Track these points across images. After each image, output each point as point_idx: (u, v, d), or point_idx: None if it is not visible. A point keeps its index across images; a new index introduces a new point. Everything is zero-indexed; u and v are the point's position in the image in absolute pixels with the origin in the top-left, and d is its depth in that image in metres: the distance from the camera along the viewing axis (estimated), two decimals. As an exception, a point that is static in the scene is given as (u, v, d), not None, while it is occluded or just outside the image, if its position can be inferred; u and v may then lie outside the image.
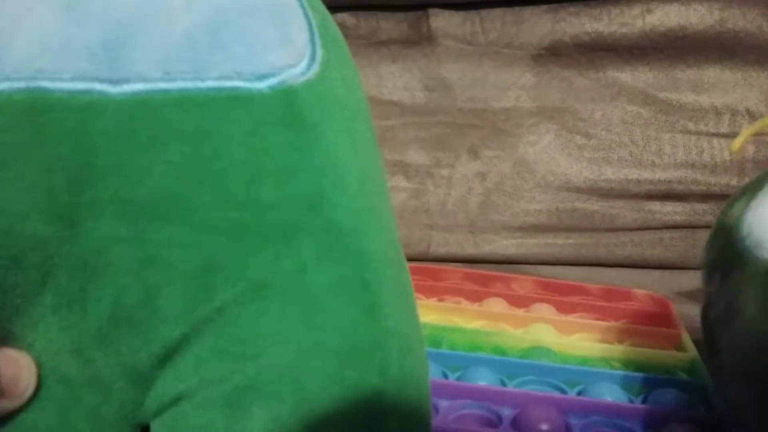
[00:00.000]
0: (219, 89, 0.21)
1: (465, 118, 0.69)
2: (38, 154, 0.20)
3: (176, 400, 0.22)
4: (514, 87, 0.68)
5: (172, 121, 0.21)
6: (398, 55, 0.69)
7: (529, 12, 0.67)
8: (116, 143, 0.21)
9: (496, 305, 0.52)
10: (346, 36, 0.26)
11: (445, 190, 0.69)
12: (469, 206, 0.68)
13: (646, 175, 0.66)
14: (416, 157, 0.69)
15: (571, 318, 0.51)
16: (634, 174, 0.66)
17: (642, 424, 0.38)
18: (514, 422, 0.38)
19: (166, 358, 0.22)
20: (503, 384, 0.41)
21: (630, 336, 0.48)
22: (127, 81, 0.21)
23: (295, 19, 0.23)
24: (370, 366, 0.22)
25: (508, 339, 0.46)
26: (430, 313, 0.50)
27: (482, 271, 0.59)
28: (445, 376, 0.42)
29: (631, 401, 0.40)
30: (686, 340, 0.47)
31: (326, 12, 0.25)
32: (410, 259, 0.26)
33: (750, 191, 0.33)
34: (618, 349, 0.46)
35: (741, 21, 0.64)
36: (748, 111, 0.65)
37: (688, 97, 0.66)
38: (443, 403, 0.39)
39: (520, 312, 0.52)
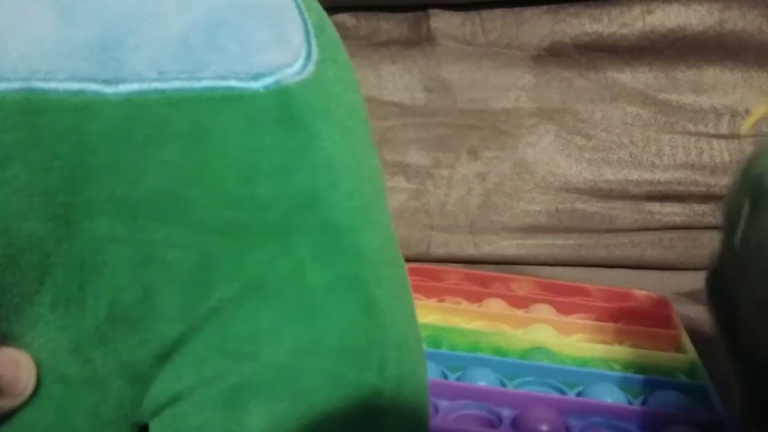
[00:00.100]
0: (214, 89, 0.21)
1: (465, 118, 0.69)
2: (35, 154, 0.20)
3: (174, 400, 0.22)
4: (514, 88, 0.68)
5: (168, 120, 0.21)
6: (398, 56, 0.69)
7: (529, 13, 0.67)
8: (112, 143, 0.21)
9: (496, 306, 0.52)
10: (346, 37, 0.26)
11: (445, 190, 0.69)
12: (469, 207, 0.68)
13: (646, 176, 0.66)
14: (416, 157, 0.69)
15: (570, 319, 0.51)
16: (634, 175, 0.66)
17: (641, 426, 0.38)
18: (514, 423, 0.38)
19: (163, 357, 0.22)
20: (503, 384, 0.41)
21: (629, 337, 0.48)
22: (122, 81, 0.21)
23: (290, 19, 0.23)
24: (367, 364, 0.22)
25: (508, 339, 0.46)
26: (430, 314, 0.50)
27: (482, 271, 0.59)
28: (445, 377, 0.42)
29: (630, 403, 0.40)
30: (686, 341, 0.47)
31: (322, 12, 0.25)
32: (410, 260, 0.26)
33: None
34: (617, 350, 0.46)
35: (741, 22, 0.64)
36: (747, 112, 0.65)
37: (687, 98, 0.66)
38: (443, 404, 0.39)
39: (519, 313, 0.52)
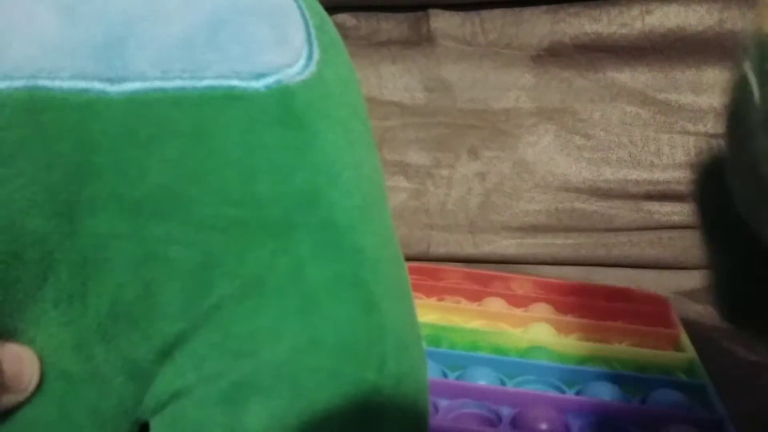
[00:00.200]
0: (216, 88, 0.21)
1: (465, 118, 0.69)
2: (38, 152, 0.20)
3: (175, 397, 0.22)
4: (513, 88, 0.68)
5: (170, 119, 0.21)
6: (398, 56, 0.69)
7: (528, 13, 0.67)
8: (115, 141, 0.21)
9: (496, 305, 0.52)
10: (347, 37, 0.26)
11: (445, 190, 0.69)
12: (469, 206, 0.68)
13: (645, 175, 0.66)
14: (416, 157, 0.69)
15: (569, 318, 0.51)
16: (633, 174, 0.66)
17: (640, 425, 0.38)
18: (514, 421, 0.38)
19: (165, 353, 0.22)
20: (502, 383, 0.42)
21: (628, 336, 0.49)
22: (125, 80, 0.21)
23: (292, 20, 0.23)
24: (366, 362, 0.22)
25: (508, 338, 0.46)
26: (430, 313, 0.50)
27: (482, 270, 0.59)
28: (445, 376, 0.42)
29: (629, 401, 0.41)
30: (685, 340, 0.47)
31: (324, 12, 0.25)
32: (410, 259, 0.26)
33: None
34: (616, 349, 0.46)
35: (740, 22, 0.64)
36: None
37: (687, 98, 0.66)
38: (443, 403, 0.39)
39: (519, 312, 0.52)
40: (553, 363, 0.43)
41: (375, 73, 0.69)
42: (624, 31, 0.66)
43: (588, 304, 0.53)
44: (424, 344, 0.27)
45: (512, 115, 0.68)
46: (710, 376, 0.43)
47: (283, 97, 0.22)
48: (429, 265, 0.61)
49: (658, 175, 0.66)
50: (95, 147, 0.21)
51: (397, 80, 0.69)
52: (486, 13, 0.68)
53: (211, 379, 0.22)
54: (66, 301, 0.22)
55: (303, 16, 0.24)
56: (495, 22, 0.68)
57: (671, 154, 0.66)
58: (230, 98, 0.21)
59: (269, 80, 0.22)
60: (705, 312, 0.52)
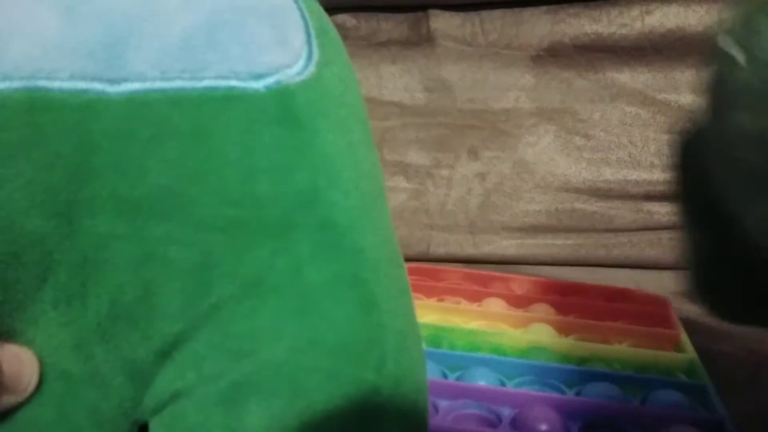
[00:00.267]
0: (215, 88, 0.21)
1: (465, 118, 0.69)
2: (38, 152, 0.20)
3: (174, 398, 0.22)
4: (513, 88, 0.68)
5: (170, 120, 0.21)
6: (398, 56, 0.69)
7: (528, 13, 0.67)
8: (115, 142, 0.21)
9: (496, 305, 0.52)
10: (346, 37, 0.26)
11: (445, 190, 0.69)
12: (469, 207, 0.68)
13: (645, 175, 0.66)
14: (416, 157, 0.69)
15: (569, 318, 0.51)
16: (633, 175, 0.66)
17: (640, 425, 0.38)
18: (514, 422, 0.38)
19: (164, 354, 0.22)
20: (502, 384, 0.42)
21: (628, 336, 0.49)
22: (125, 80, 0.21)
23: (291, 20, 0.23)
24: (365, 362, 0.22)
25: (508, 339, 0.46)
26: (430, 313, 0.50)
27: (482, 271, 0.59)
28: (445, 376, 0.42)
29: (629, 402, 0.41)
30: (685, 340, 0.47)
31: (323, 13, 0.25)
32: (410, 260, 0.26)
33: None
34: (616, 350, 0.46)
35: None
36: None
37: (687, 98, 0.66)
38: (443, 403, 0.39)
39: (519, 312, 0.52)
40: (553, 363, 0.43)
41: (375, 73, 0.69)
42: (624, 31, 0.66)
43: (588, 305, 0.53)
44: (423, 345, 0.27)
45: (512, 115, 0.68)
46: (710, 376, 0.43)
47: (282, 97, 0.22)
48: (429, 265, 0.61)
49: (658, 175, 0.66)
50: (95, 147, 0.21)
51: (397, 80, 0.69)
52: (486, 14, 0.68)
53: (210, 380, 0.22)
54: (65, 301, 0.22)
55: (303, 16, 0.24)
56: (495, 22, 0.68)
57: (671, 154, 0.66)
58: (230, 98, 0.21)
59: (269, 80, 0.22)
60: (705, 312, 0.52)
